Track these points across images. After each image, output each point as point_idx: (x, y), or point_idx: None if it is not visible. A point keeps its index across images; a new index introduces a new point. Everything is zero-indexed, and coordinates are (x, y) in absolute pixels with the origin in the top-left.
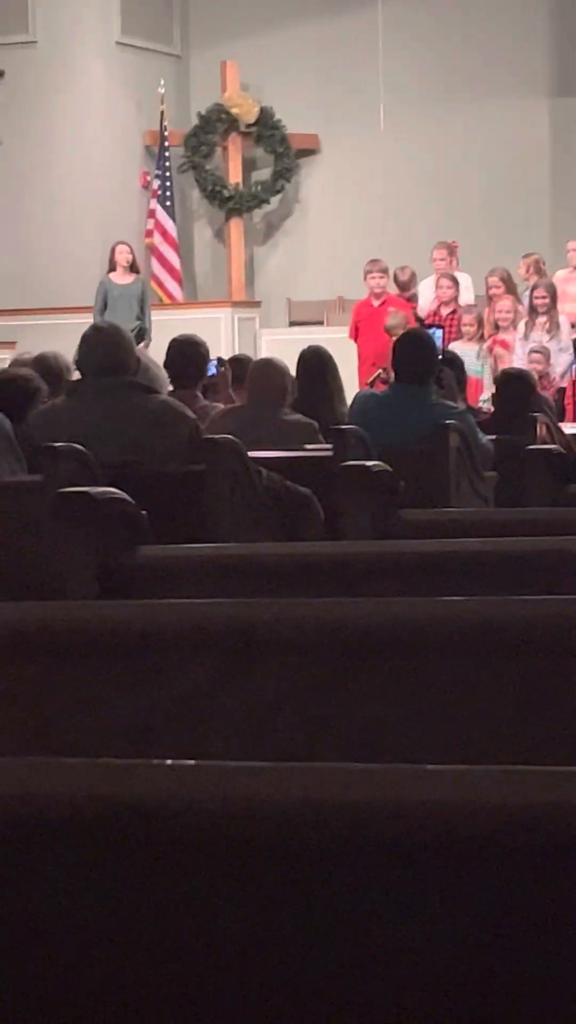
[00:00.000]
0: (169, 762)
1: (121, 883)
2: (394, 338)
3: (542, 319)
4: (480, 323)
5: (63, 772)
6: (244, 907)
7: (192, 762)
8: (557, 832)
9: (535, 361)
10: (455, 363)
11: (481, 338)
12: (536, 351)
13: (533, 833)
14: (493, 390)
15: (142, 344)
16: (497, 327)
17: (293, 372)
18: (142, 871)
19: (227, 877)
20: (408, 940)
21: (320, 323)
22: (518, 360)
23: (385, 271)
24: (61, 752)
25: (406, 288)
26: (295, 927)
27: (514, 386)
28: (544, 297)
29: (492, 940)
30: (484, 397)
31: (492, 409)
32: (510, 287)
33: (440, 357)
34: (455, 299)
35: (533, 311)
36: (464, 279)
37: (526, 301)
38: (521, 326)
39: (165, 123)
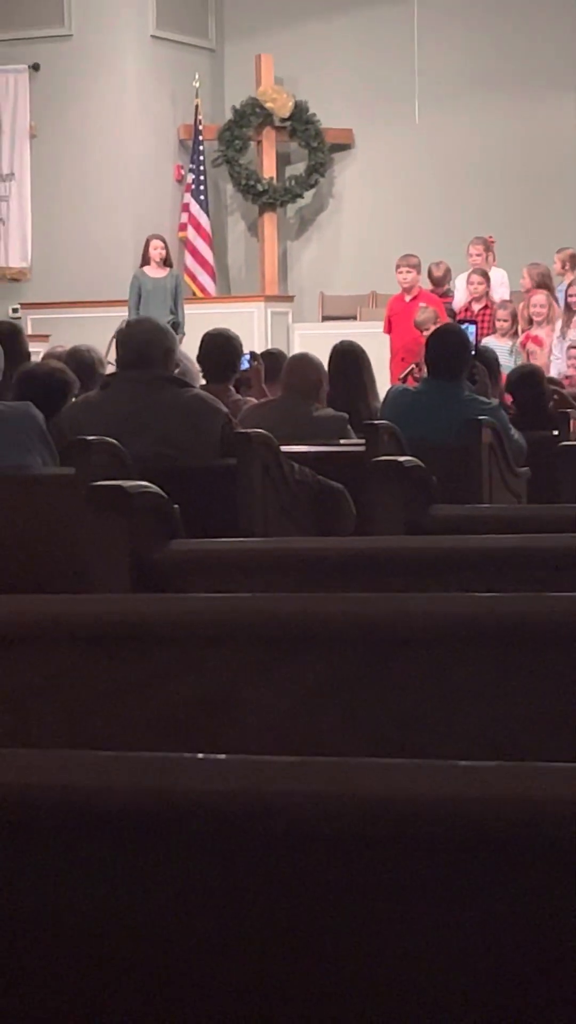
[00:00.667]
0: (200, 756)
1: (150, 876)
2: (424, 333)
3: None
4: (514, 319)
5: (93, 765)
6: (272, 900)
7: (222, 756)
8: None
9: (574, 358)
10: (488, 358)
11: (515, 334)
12: (573, 347)
13: (565, 829)
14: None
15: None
16: (531, 322)
17: (326, 367)
18: (171, 864)
19: (256, 871)
20: (440, 936)
21: (353, 318)
22: (554, 358)
23: (415, 266)
24: (92, 744)
25: (440, 283)
26: (322, 920)
27: (525, 383)
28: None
29: (518, 938)
30: None
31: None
32: (545, 282)
33: (473, 352)
34: (487, 294)
35: (568, 309)
36: (499, 275)
37: (561, 298)
38: (558, 324)
39: (199, 117)
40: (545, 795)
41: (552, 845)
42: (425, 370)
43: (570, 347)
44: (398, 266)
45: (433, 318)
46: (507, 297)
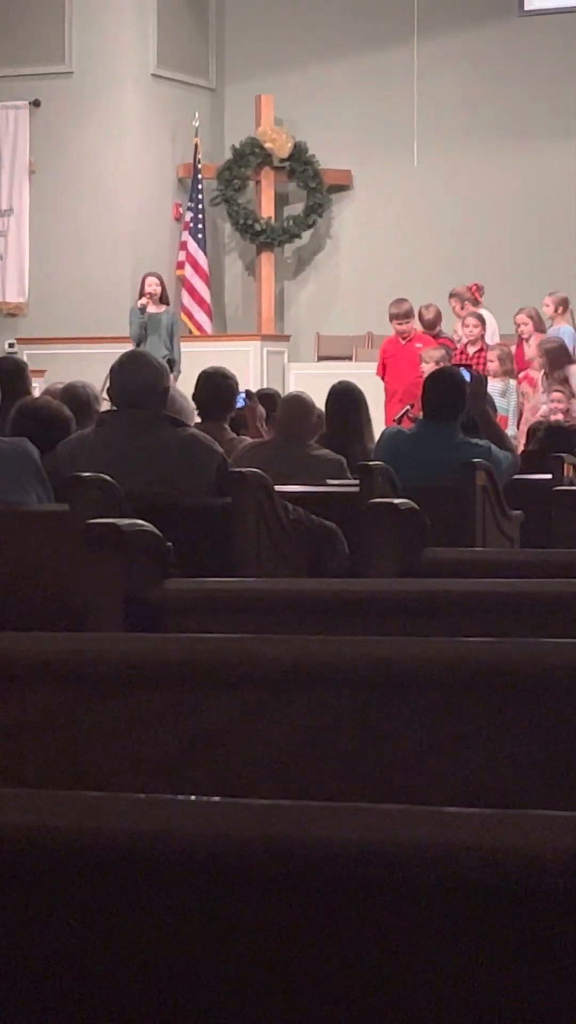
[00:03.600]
0: (193, 798)
1: (144, 918)
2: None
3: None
4: (503, 360)
5: (85, 805)
6: (266, 944)
7: (217, 799)
8: None
9: (555, 401)
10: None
11: (506, 374)
12: (556, 390)
13: (556, 879)
14: (516, 428)
15: (171, 375)
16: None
17: (321, 406)
18: (162, 906)
19: (251, 914)
20: (430, 982)
21: (349, 358)
22: (544, 398)
23: (409, 314)
24: (84, 784)
25: (431, 326)
26: (314, 964)
27: (553, 439)
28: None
29: (509, 987)
30: (512, 432)
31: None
32: (539, 325)
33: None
34: (482, 337)
35: None
36: (488, 318)
37: None
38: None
39: (199, 156)
40: (538, 844)
41: (545, 894)
42: (420, 412)
43: (553, 390)
44: (394, 316)
45: (443, 357)
46: (497, 340)
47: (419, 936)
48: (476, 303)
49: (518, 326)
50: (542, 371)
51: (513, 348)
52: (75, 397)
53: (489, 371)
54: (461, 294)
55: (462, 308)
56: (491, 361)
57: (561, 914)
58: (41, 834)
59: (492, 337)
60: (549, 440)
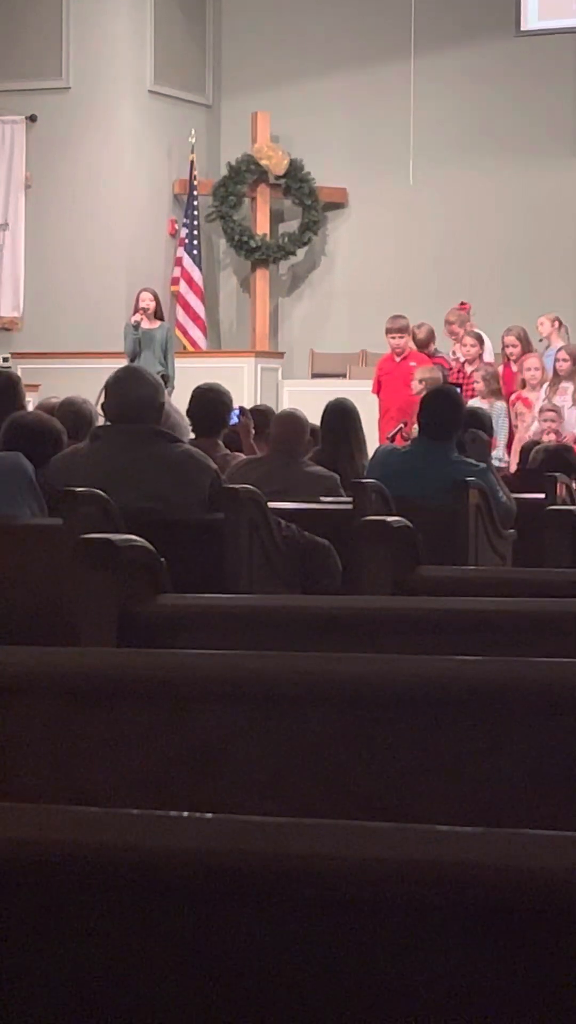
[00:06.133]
0: (185, 814)
1: (134, 934)
2: (418, 392)
3: (565, 384)
4: (489, 381)
5: (77, 821)
6: (256, 959)
7: (208, 815)
8: (569, 897)
9: (548, 420)
10: (485, 422)
11: (492, 395)
12: (548, 409)
13: (545, 897)
14: (505, 449)
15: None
16: (524, 384)
17: (315, 423)
18: (155, 922)
19: (238, 930)
20: (415, 999)
21: (343, 375)
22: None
23: (404, 329)
24: (75, 799)
25: (424, 345)
26: (308, 980)
27: (552, 460)
28: (566, 360)
29: (497, 1004)
30: (498, 455)
31: (508, 466)
32: (527, 346)
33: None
34: (480, 357)
35: (556, 374)
36: (486, 339)
37: (548, 361)
38: (544, 389)
39: (195, 172)
40: (530, 862)
41: (539, 913)
42: (414, 430)
43: (544, 410)
44: (388, 331)
45: (437, 379)
46: (491, 360)
47: (410, 954)
48: (461, 321)
49: (506, 347)
50: (546, 381)
51: (500, 369)
52: (73, 412)
53: (476, 392)
54: (459, 316)
55: (462, 327)
56: (476, 382)
57: (554, 933)
58: (32, 849)
59: (488, 357)
60: (550, 461)
